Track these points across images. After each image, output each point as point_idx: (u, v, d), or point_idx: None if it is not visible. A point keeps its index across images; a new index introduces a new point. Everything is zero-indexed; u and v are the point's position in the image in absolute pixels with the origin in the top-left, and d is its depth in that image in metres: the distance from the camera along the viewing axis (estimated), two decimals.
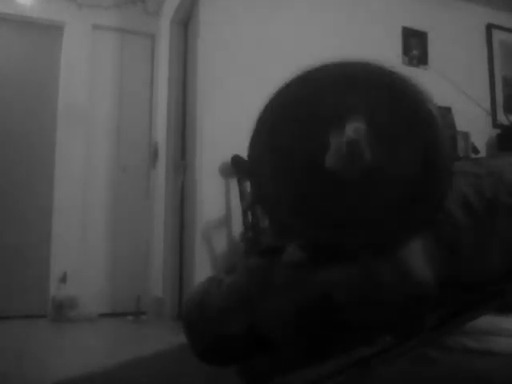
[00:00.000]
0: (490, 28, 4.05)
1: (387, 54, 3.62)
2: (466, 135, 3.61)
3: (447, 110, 3.69)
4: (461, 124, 3.66)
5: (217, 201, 3.01)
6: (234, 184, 2.98)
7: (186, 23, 3.79)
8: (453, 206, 0.87)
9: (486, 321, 1.73)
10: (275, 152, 0.87)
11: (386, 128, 0.82)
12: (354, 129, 0.81)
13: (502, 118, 3.94)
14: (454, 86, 3.67)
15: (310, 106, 0.87)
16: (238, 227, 2.96)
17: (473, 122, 3.76)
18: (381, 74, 0.86)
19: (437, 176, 0.81)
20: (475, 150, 3.63)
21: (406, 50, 3.67)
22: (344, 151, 0.80)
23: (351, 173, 0.81)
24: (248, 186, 2.84)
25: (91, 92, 3.95)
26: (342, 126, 0.82)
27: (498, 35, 4.07)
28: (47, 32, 3.95)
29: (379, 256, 0.84)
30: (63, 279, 3.63)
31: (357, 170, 0.81)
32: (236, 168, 2.90)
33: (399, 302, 0.85)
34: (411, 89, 0.85)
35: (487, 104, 3.93)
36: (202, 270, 2.88)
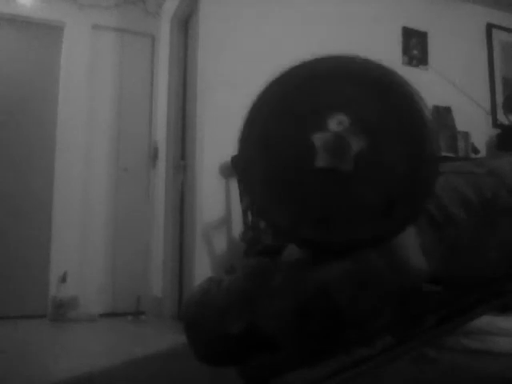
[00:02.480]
0: (490, 28, 4.05)
1: (387, 53, 3.63)
2: (465, 135, 3.61)
3: (447, 110, 3.69)
4: (461, 124, 3.66)
5: (217, 201, 3.01)
6: (233, 184, 2.98)
7: (185, 23, 3.79)
8: (453, 205, 0.87)
9: (486, 321, 1.73)
10: (265, 151, 0.87)
11: (372, 121, 0.82)
12: (337, 122, 0.81)
13: (502, 118, 3.95)
14: (454, 86, 3.67)
15: (292, 104, 0.87)
16: (238, 227, 2.96)
17: (473, 121, 3.76)
18: (366, 68, 0.86)
19: (422, 172, 0.80)
20: (475, 150, 3.63)
21: (406, 50, 3.67)
22: (330, 146, 0.80)
23: (341, 166, 0.81)
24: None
25: (91, 92, 3.95)
26: (324, 123, 0.82)
27: (498, 35, 4.07)
28: (47, 32, 3.95)
29: (372, 249, 0.84)
30: (63, 279, 3.63)
31: (346, 164, 0.80)
32: (236, 168, 2.89)
33: (396, 294, 0.85)
34: (398, 82, 0.84)
35: (487, 104, 3.93)
36: (201, 270, 2.88)
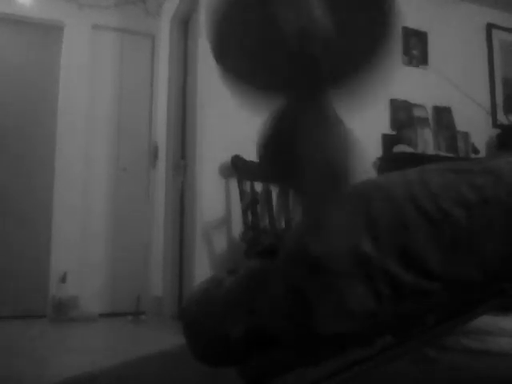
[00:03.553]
0: (490, 28, 4.05)
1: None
2: (465, 135, 3.61)
3: (447, 110, 3.69)
4: (461, 124, 3.66)
5: (217, 201, 3.01)
6: (233, 184, 2.98)
7: (186, 23, 3.79)
8: (450, 203, 0.87)
9: (486, 321, 1.73)
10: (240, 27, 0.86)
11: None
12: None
13: (502, 118, 3.95)
14: (454, 86, 3.67)
15: None
16: (237, 227, 2.96)
17: (473, 121, 3.76)
18: None
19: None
20: (475, 150, 3.63)
21: (406, 50, 3.67)
22: (298, 24, 0.79)
23: (313, 47, 0.79)
24: (248, 185, 2.84)
25: (91, 92, 3.95)
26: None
27: (497, 35, 4.07)
28: (47, 32, 3.95)
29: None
30: (63, 279, 3.64)
31: (317, 44, 0.79)
32: (236, 168, 2.89)
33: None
34: None
35: (487, 104, 3.93)
36: (201, 270, 2.88)
